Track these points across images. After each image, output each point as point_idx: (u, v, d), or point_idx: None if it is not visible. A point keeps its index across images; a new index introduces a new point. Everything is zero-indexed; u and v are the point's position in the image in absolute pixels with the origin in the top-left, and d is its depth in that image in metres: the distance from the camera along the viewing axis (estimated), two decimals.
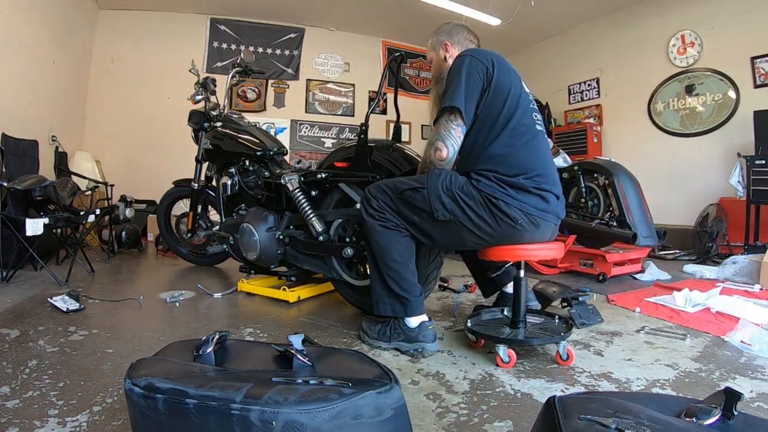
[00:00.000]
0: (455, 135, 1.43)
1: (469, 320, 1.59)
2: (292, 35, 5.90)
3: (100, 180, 3.87)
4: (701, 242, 3.75)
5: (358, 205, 1.90)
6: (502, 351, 1.40)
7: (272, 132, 5.74)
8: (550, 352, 1.51)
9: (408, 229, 1.50)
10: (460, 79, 1.43)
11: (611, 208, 2.90)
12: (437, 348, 1.52)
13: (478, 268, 1.91)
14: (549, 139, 1.58)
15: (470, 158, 1.46)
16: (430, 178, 1.43)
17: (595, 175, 2.99)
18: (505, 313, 1.65)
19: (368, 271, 1.57)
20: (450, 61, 1.61)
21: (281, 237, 2.17)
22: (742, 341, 1.62)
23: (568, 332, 1.46)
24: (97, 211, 3.06)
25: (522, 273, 1.49)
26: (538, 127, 1.49)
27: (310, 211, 2.01)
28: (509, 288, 1.85)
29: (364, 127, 1.82)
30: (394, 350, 1.54)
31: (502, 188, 1.38)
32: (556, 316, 1.61)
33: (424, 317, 1.52)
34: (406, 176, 1.57)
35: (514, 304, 1.51)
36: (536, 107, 1.54)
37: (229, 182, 2.45)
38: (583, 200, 3.08)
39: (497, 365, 1.40)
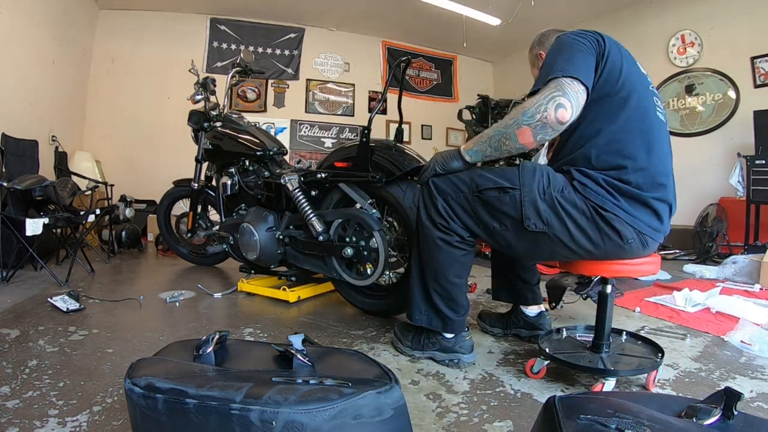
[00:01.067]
0: (581, 99, 1.09)
1: (545, 344, 1.33)
2: (292, 35, 5.90)
3: (100, 180, 3.87)
4: (701, 242, 3.75)
5: (358, 205, 1.90)
6: (538, 364, 1.27)
7: (272, 132, 5.74)
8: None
9: (479, 235, 1.24)
10: (564, 52, 1.13)
11: None
12: (474, 359, 1.39)
13: (508, 270, 1.64)
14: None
15: (571, 148, 1.18)
16: (523, 177, 1.15)
17: None
18: (579, 333, 1.44)
19: (411, 273, 1.40)
20: None
21: (281, 237, 2.17)
22: (742, 341, 1.62)
23: (662, 357, 1.24)
24: (97, 211, 3.06)
25: (609, 289, 1.26)
26: (660, 116, 1.21)
27: (310, 211, 2.01)
28: (531, 310, 1.63)
29: (366, 131, 1.82)
30: (428, 359, 1.44)
31: (614, 198, 1.11)
32: (624, 332, 1.40)
33: (460, 331, 1.39)
34: (484, 168, 1.25)
35: (598, 323, 1.28)
36: (656, 92, 1.24)
37: (229, 182, 2.45)
38: None
39: (527, 376, 1.31)
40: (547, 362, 1.28)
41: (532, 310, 1.64)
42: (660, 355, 1.26)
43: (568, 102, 1.06)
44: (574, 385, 1.28)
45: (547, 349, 1.28)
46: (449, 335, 1.39)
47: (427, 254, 1.31)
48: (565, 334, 1.43)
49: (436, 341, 1.41)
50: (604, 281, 1.28)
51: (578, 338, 1.41)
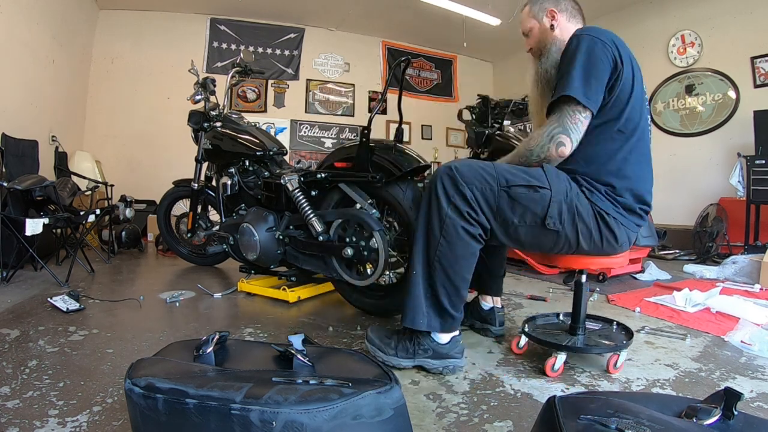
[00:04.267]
0: (581, 129, 1.20)
1: (526, 325, 1.50)
2: (292, 35, 5.90)
3: (100, 180, 3.87)
4: (701, 242, 3.75)
5: (358, 205, 1.90)
6: (560, 359, 1.31)
7: (272, 132, 5.74)
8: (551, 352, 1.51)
9: (492, 228, 1.25)
10: (583, 61, 1.19)
11: None
12: (465, 363, 1.37)
13: (484, 264, 1.68)
14: None
15: (581, 155, 1.25)
16: (552, 179, 1.20)
17: None
18: (561, 318, 1.60)
19: (410, 270, 1.33)
20: (558, 32, 1.39)
21: (281, 237, 2.17)
22: (742, 341, 1.62)
23: (630, 340, 1.39)
24: (97, 211, 3.06)
25: (584, 278, 1.41)
26: (650, 127, 1.33)
27: (310, 211, 2.01)
28: (486, 303, 1.73)
29: (366, 131, 1.82)
30: (417, 368, 1.35)
31: (615, 206, 1.24)
32: (614, 323, 1.54)
33: (456, 331, 1.34)
34: (513, 166, 1.29)
35: (574, 309, 1.43)
36: (649, 107, 1.38)
37: (228, 182, 2.45)
38: None
39: (544, 373, 1.32)
40: (526, 339, 1.47)
41: (487, 303, 1.73)
42: (629, 340, 1.40)
43: (568, 139, 1.20)
44: (574, 385, 1.28)
45: (527, 329, 1.47)
46: (445, 340, 1.32)
47: (444, 247, 1.24)
48: (547, 319, 1.62)
49: (428, 347, 1.32)
50: (579, 271, 1.42)
51: (559, 322, 1.60)
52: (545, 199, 1.19)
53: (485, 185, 1.21)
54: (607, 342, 1.39)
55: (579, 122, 1.19)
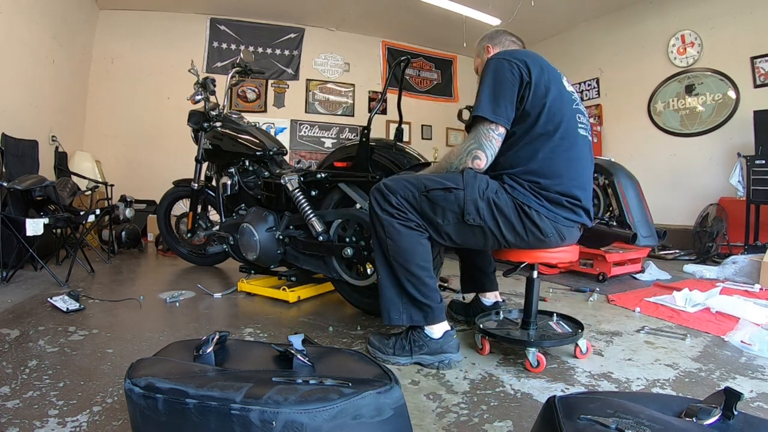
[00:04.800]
0: (495, 144, 1.34)
1: (481, 323, 1.55)
2: (292, 35, 5.90)
3: (100, 180, 3.87)
4: (701, 242, 3.75)
5: (358, 205, 1.90)
6: (532, 355, 1.35)
7: (272, 132, 5.74)
8: (550, 352, 1.51)
9: (427, 229, 1.40)
10: (491, 82, 1.34)
11: (611, 208, 2.90)
12: (461, 358, 1.42)
13: (470, 264, 1.86)
14: None
15: (505, 161, 1.37)
16: (467, 180, 1.33)
17: (595, 175, 2.99)
18: (514, 315, 1.66)
19: (377, 275, 1.46)
20: None
21: (281, 237, 2.17)
22: (742, 341, 1.62)
23: (581, 332, 1.47)
24: (97, 211, 3.06)
25: (535, 274, 1.47)
26: (581, 131, 1.40)
27: (309, 211, 2.01)
28: (488, 299, 1.84)
29: (366, 131, 1.82)
30: (416, 365, 1.40)
31: (538, 199, 1.32)
32: (555, 314, 1.61)
33: (446, 325, 1.41)
34: (434, 174, 1.43)
35: (526, 304, 1.49)
36: (580, 107, 1.43)
37: (228, 182, 2.45)
38: None
39: (527, 369, 1.36)
40: (481, 335, 1.52)
41: (488, 299, 1.84)
42: (579, 330, 1.49)
43: (483, 153, 1.34)
44: (574, 385, 1.28)
45: (482, 326, 1.52)
46: (437, 335, 1.39)
47: (391, 245, 1.37)
48: (501, 315, 1.67)
49: (423, 343, 1.39)
50: (531, 267, 1.48)
51: (512, 318, 1.65)
52: (460, 198, 1.32)
53: (407, 192, 1.37)
54: (558, 335, 1.48)
55: (492, 138, 1.33)
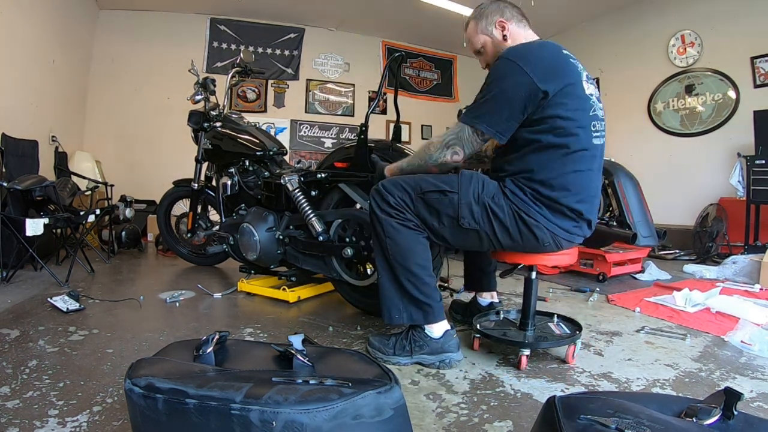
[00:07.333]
0: (476, 147, 1.34)
1: (477, 323, 1.56)
2: (292, 35, 5.90)
3: (100, 180, 3.87)
4: (701, 242, 3.75)
5: (358, 206, 1.90)
6: (525, 357, 1.37)
7: (272, 132, 5.74)
8: (550, 351, 1.51)
9: (425, 229, 1.40)
10: (498, 93, 1.26)
11: (611, 208, 2.90)
12: (462, 357, 1.42)
13: (471, 262, 1.86)
14: None
15: (509, 164, 1.33)
16: (461, 183, 1.32)
17: None
18: (512, 315, 1.64)
19: (377, 275, 1.45)
20: (511, 41, 1.41)
21: (281, 237, 2.17)
22: (742, 341, 1.62)
23: (579, 333, 1.46)
24: (97, 211, 3.06)
25: (534, 275, 1.47)
26: (595, 141, 1.32)
27: (310, 211, 2.01)
28: (483, 299, 1.83)
29: (364, 128, 1.82)
30: (416, 365, 1.40)
31: (537, 206, 1.29)
32: (555, 315, 1.60)
33: (446, 325, 1.41)
34: (432, 175, 1.41)
35: (524, 305, 1.48)
36: (597, 112, 1.33)
37: (228, 182, 2.45)
38: None
39: (527, 376, 1.34)
40: (477, 335, 1.52)
41: (484, 299, 1.83)
42: (578, 331, 1.47)
43: (462, 150, 1.34)
44: (574, 385, 1.28)
45: (478, 326, 1.52)
46: (437, 334, 1.39)
47: (390, 244, 1.37)
48: (501, 315, 1.66)
49: (423, 343, 1.39)
50: (529, 268, 1.46)
51: (511, 319, 1.62)
52: (454, 201, 1.31)
53: (404, 193, 1.37)
54: (556, 336, 1.47)
55: (475, 142, 1.33)
